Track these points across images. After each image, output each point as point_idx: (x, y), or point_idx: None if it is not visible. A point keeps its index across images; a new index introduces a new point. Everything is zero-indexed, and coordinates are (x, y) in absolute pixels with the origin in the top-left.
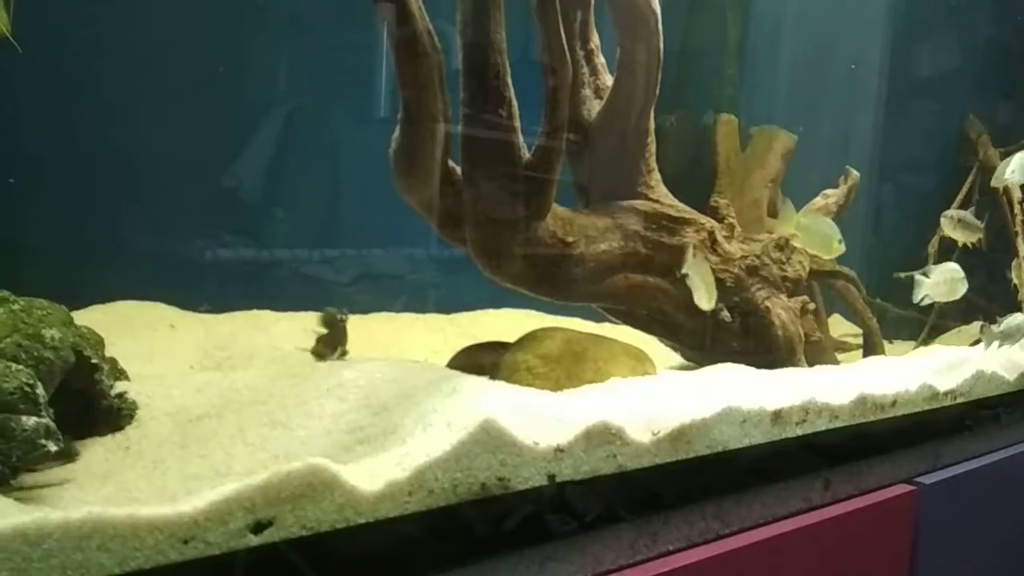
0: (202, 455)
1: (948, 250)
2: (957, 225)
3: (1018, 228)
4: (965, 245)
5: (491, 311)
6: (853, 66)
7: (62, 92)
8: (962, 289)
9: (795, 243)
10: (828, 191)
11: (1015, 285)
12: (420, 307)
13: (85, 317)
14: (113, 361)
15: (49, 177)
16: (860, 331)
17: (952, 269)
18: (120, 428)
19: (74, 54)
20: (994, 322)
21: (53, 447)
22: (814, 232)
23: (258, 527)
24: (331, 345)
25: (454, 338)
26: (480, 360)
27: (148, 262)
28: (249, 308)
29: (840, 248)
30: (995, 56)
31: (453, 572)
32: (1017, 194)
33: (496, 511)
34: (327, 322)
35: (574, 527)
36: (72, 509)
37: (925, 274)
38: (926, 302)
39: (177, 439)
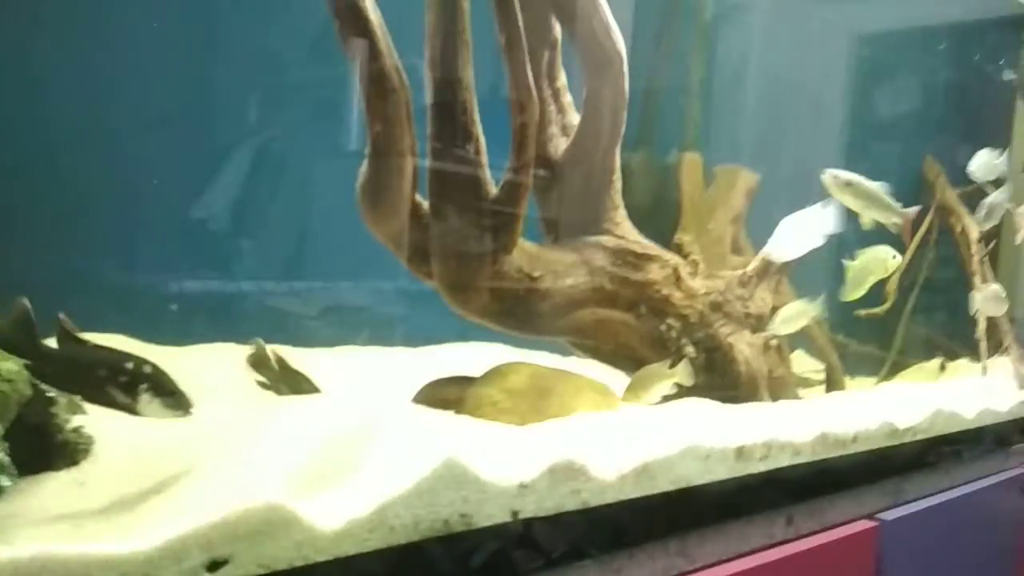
0: (158, 491)
1: (908, 287)
2: (845, 189)
3: (975, 268)
4: (928, 278)
5: (457, 344)
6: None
7: (25, 118)
8: (1004, 306)
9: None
10: None
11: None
12: (386, 340)
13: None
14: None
15: (3, 206)
16: (822, 367)
17: (884, 252)
18: (76, 463)
19: (37, 80)
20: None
21: (7, 482)
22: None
23: (214, 565)
24: (285, 380)
25: (419, 371)
26: (445, 394)
27: (109, 293)
28: (213, 341)
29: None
30: (954, 98)
31: None
32: (974, 234)
33: (459, 549)
34: (258, 359)
35: (538, 564)
36: (22, 546)
37: (852, 258)
38: (979, 315)
39: (133, 475)
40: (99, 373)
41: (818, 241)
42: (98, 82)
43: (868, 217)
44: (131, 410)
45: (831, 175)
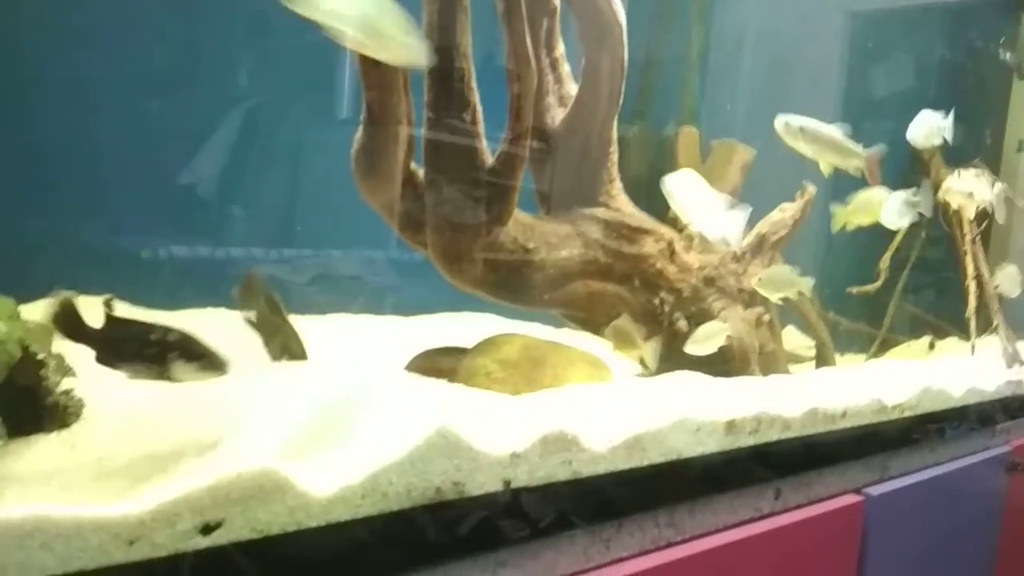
0: (150, 455)
1: (900, 263)
2: (799, 135)
3: (967, 246)
4: (920, 256)
5: (450, 315)
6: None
7: (15, 86)
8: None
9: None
10: (785, 205)
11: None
12: (378, 309)
13: (33, 311)
14: (60, 357)
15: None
16: (813, 343)
17: (878, 193)
18: (66, 426)
19: (26, 46)
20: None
21: None
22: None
23: (206, 529)
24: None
25: (412, 341)
26: (438, 364)
27: (100, 256)
28: (204, 306)
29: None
30: (949, 76)
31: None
32: (968, 213)
33: (450, 516)
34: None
35: (528, 533)
36: (13, 507)
37: (844, 204)
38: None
39: (125, 438)
40: (134, 346)
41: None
42: (87, 48)
43: (826, 163)
44: (168, 377)
45: (783, 121)
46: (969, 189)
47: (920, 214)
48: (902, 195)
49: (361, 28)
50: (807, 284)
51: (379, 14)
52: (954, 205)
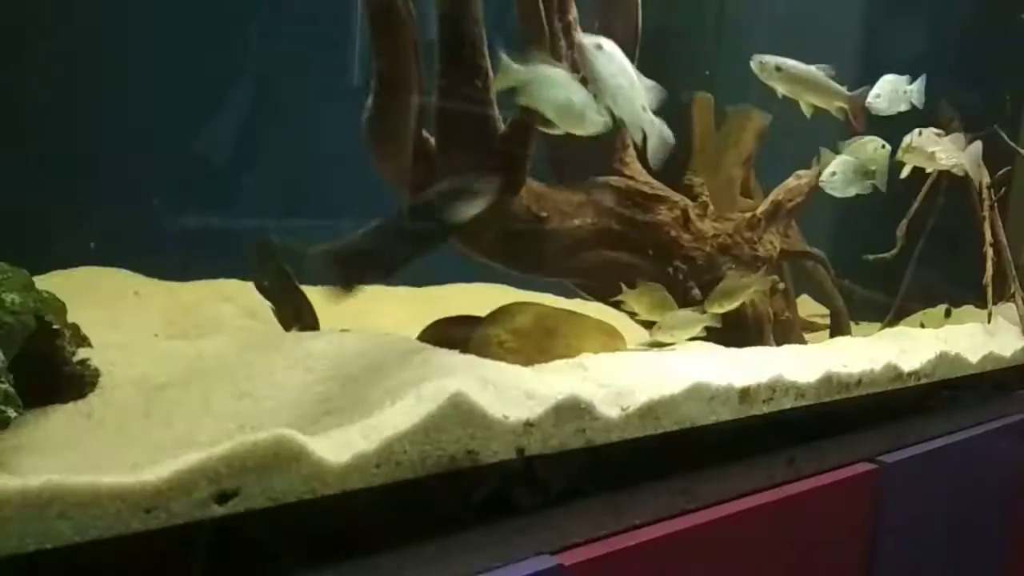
0: (166, 424)
1: (917, 232)
2: (775, 75)
3: (985, 213)
4: (936, 225)
5: (462, 285)
6: None
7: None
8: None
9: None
10: (801, 172)
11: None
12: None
13: (47, 282)
14: (75, 327)
15: (9, 139)
16: (828, 311)
17: (871, 141)
18: (82, 395)
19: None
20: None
21: (13, 413)
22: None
23: (223, 497)
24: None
25: (424, 311)
26: (451, 334)
27: (113, 228)
28: (216, 277)
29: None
30: (969, 42)
31: (420, 544)
32: (985, 179)
33: (464, 485)
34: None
35: (542, 500)
36: (32, 476)
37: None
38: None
39: (141, 407)
40: None
41: None
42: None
43: (807, 104)
44: None
45: (758, 61)
46: (932, 148)
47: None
48: (851, 160)
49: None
50: (763, 282)
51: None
52: (908, 167)
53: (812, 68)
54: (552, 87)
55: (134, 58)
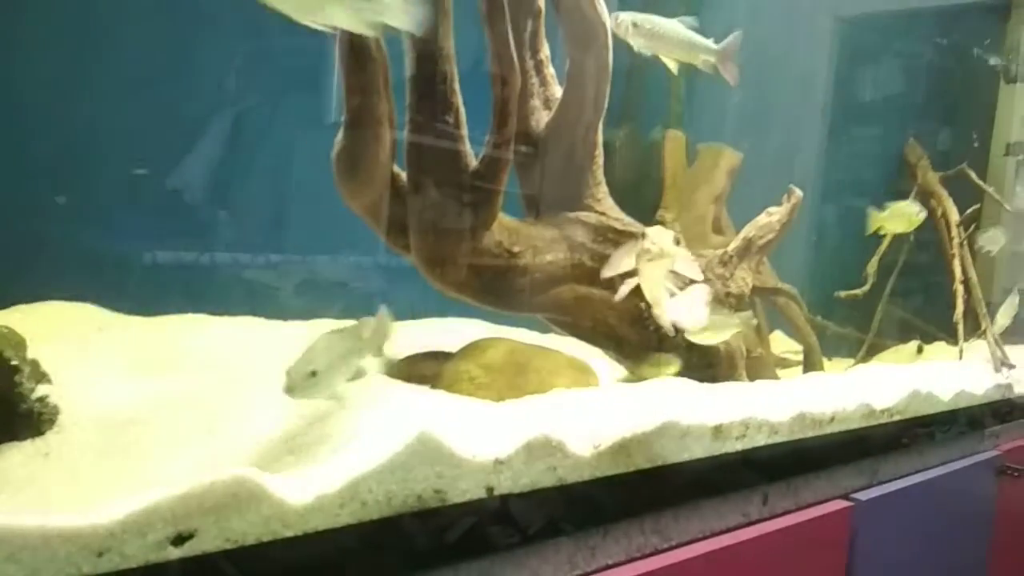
0: (125, 463)
1: (887, 269)
2: (634, 31)
3: (955, 251)
4: (906, 262)
5: (435, 319)
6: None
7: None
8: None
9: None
10: (772, 209)
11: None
12: (362, 314)
13: (6, 317)
14: (35, 363)
15: None
16: (800, 348)
17: (909, 206)
18: (40, 433)
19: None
20: (931, 342)
21: None
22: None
23: (179, 539)
24: None
25: (395, 346)
26: (422, 369)
27: (78, 262)
28: (184, 311)
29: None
30: (936, 83)
31: None
32: (954, 217)
33: (434, 524)
34: None
35: (514, 540)
36: None
37: (881, 209)
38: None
39: (100, 446)
40: None
41: None
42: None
43: (672, 60)
44: None
45: (614, 18)
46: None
47: None
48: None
49: None
50: (749, 319)
51: None
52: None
53: (673, 22)
54: None
55: (108, 89)
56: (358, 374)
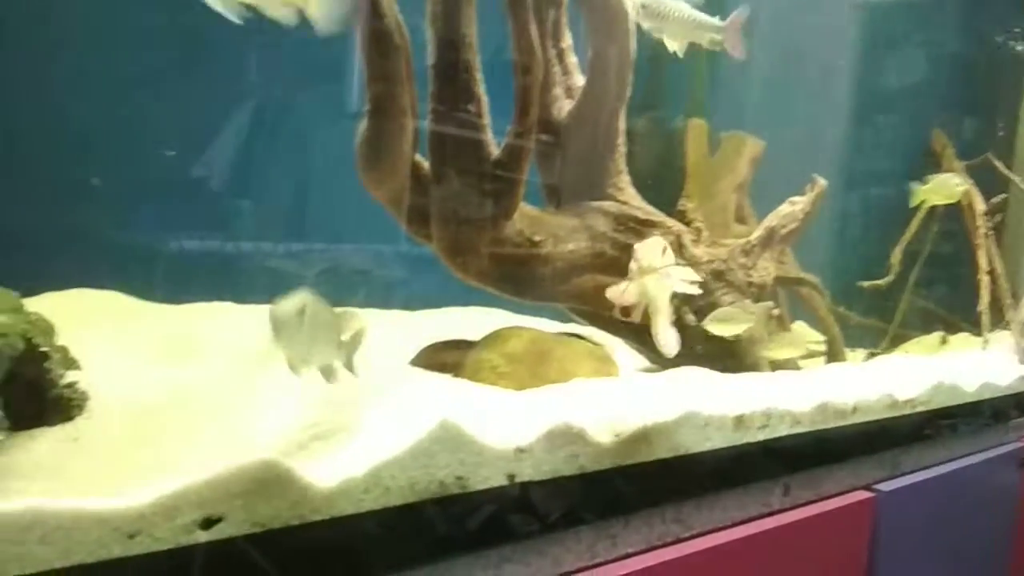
0: (153, 448)
1: (911, 259)
2: (641, 13)
3: (980, 240)
4: (932, 251)
5: (457, 309)
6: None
7: (21, 75)
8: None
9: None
10: (795, 198)
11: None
12: (384, 303)
13: (36, 304)
14: (64, 350)
15: (1, 159)
16: (823, 338)
17: (951, 178)
18: (70, 419)
19: (34, 39)
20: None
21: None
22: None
23: (207, 523)
24: None
25: (418, 335)
26: (444, 358)
27: (107, 250)
28: (209, 300)
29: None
30: (962, 71)
31: (409, 571)
32: (980, 206)
33: (454, 511)
34: None
35: (534, 528)
36: (14, 500)
37: (923, 182)
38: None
39: (128, 432)
40: None
41: None
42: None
43: (677, 41)
44: None
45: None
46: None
47: None
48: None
49: None
50: (770, 309)
51: None
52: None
53: (679, 1)
54: None
55: (130, 80)
56: (327, 371)
